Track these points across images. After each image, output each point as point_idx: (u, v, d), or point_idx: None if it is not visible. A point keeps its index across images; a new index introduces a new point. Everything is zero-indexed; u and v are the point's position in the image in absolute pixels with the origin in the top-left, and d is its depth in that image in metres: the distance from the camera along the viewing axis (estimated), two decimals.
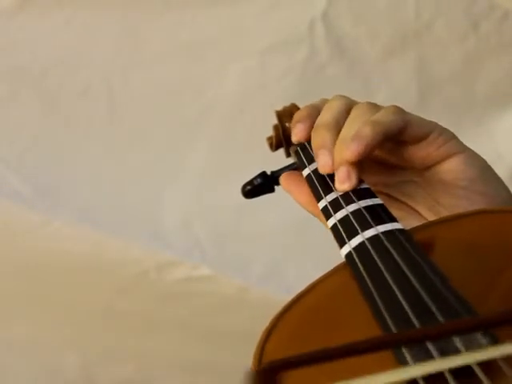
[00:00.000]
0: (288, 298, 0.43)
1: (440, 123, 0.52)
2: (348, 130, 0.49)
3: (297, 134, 0.54)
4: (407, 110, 0.51)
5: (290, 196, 0.57)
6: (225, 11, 1.13)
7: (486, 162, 0.51)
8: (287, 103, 0.64)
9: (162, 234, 1.17)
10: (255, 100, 1.15)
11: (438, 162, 0.50)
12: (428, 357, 0.33)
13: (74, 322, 1.21)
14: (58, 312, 1.20)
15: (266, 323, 0.42)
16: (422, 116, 0.52)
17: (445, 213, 0.51)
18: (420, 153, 0.50)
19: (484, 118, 1.15)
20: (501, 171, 0.52)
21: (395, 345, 0.33)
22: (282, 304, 0.42)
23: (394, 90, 1.15)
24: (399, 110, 0.50)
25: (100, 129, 1.18)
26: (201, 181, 1.19)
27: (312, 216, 0.55)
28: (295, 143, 0.56)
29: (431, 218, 0.52)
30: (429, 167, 0.51)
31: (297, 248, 1.17)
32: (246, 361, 0.39)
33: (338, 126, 0.50)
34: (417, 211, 0.53)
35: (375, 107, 0.51)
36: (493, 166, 0.52)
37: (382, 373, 0.30)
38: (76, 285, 1.17)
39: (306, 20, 1.13)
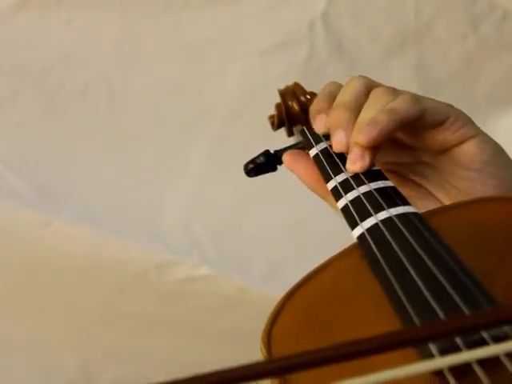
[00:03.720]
0: None
1: None
2: (365, 114, 0.50)
3: (320, 126, 0.53)
4: None
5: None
6: (225, 11, 1.13)
7: (499, 145, 0.53)
8: None
9: (162, 234, 1.16)
10: (255, 100, 1.14)
11: (454, 146, 0.51)
12: (454, 348, 0.32)
13: (74, 322, 1.21)
14: (57, 312, 1.20)
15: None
16: None
17: (458, 194, 0.51)
18: (437, 138, 0.51)
19: (484, 118, 1.14)
20: None
21: (421, 341, 0.32)
22: None
23: None
24: (416, 99, 0.50)
25: (100, 129, 1.18)
26: (201, 181, 1.18)
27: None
28: (319, 133, 0.54)
29: (444, 199, 0.53)
30: (444, 151, 0.52)
31: (297, 248, 1.16)
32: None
33: (356, 107, 0.51)
34: (430, 192, 0.54)
35: (394, 93, 0.51)
36: None
37: (405, 365, 0.29)
38: (76, 285, 1.17)
39: (305, 20, 1.13)
